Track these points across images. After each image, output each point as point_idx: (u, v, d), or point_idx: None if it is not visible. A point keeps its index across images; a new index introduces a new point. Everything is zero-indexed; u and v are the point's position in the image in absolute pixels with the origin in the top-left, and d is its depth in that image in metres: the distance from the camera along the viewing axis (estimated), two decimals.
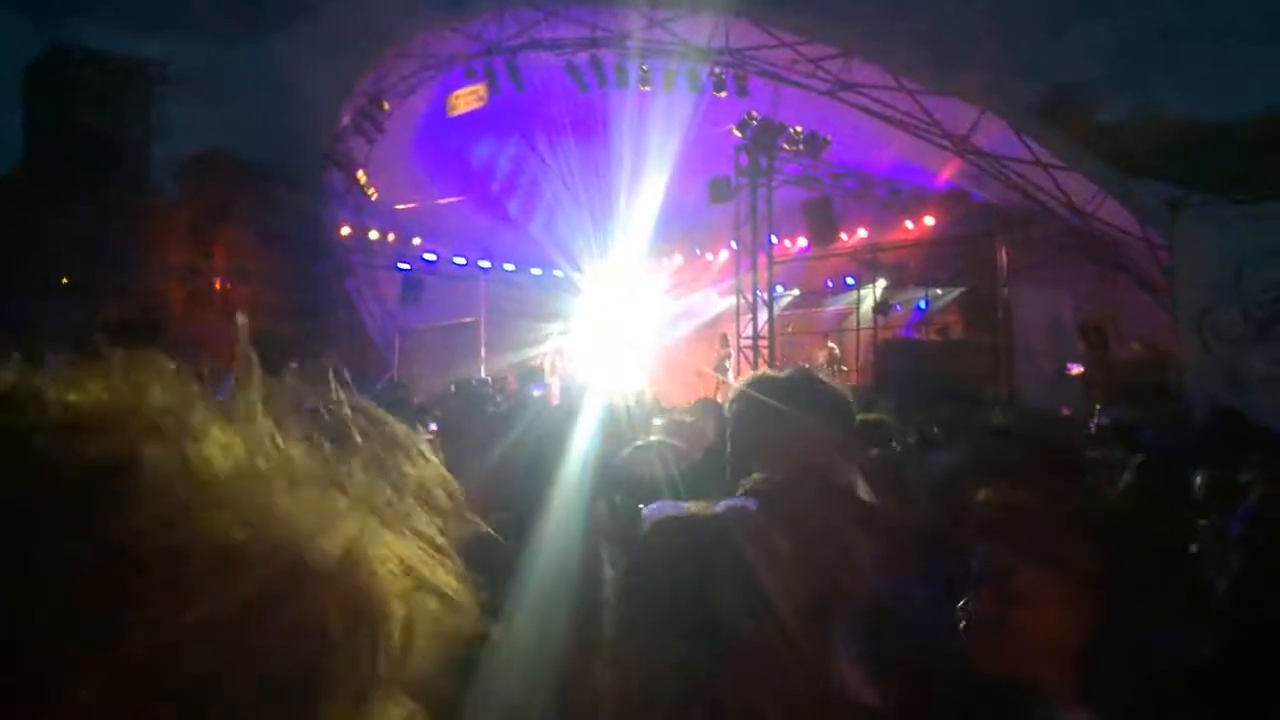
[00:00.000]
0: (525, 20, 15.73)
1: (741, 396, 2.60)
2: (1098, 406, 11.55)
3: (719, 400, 7.78)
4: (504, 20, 15.96)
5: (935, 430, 7.45)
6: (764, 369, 2.78)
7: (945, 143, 14.60)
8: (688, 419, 5.89)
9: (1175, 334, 12.82)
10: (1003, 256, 16.32)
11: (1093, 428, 9.25)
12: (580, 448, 2.82)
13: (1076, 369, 15.39)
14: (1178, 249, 12.94)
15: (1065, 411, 11.47)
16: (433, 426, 9.24)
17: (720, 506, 1.56)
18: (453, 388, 13.87)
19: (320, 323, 21.65)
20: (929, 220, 17.99)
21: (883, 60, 14.02)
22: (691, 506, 1.54)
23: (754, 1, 14.67)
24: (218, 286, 37.20)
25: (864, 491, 2.45)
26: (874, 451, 4.58)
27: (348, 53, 20.02)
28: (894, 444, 5.16)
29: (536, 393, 11.47)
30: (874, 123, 14.76)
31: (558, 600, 1.97)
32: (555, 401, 19.76)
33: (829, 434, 2.45)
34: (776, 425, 2.42)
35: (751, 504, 1.59)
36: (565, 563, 2.13)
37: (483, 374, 20.27)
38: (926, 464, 4.35)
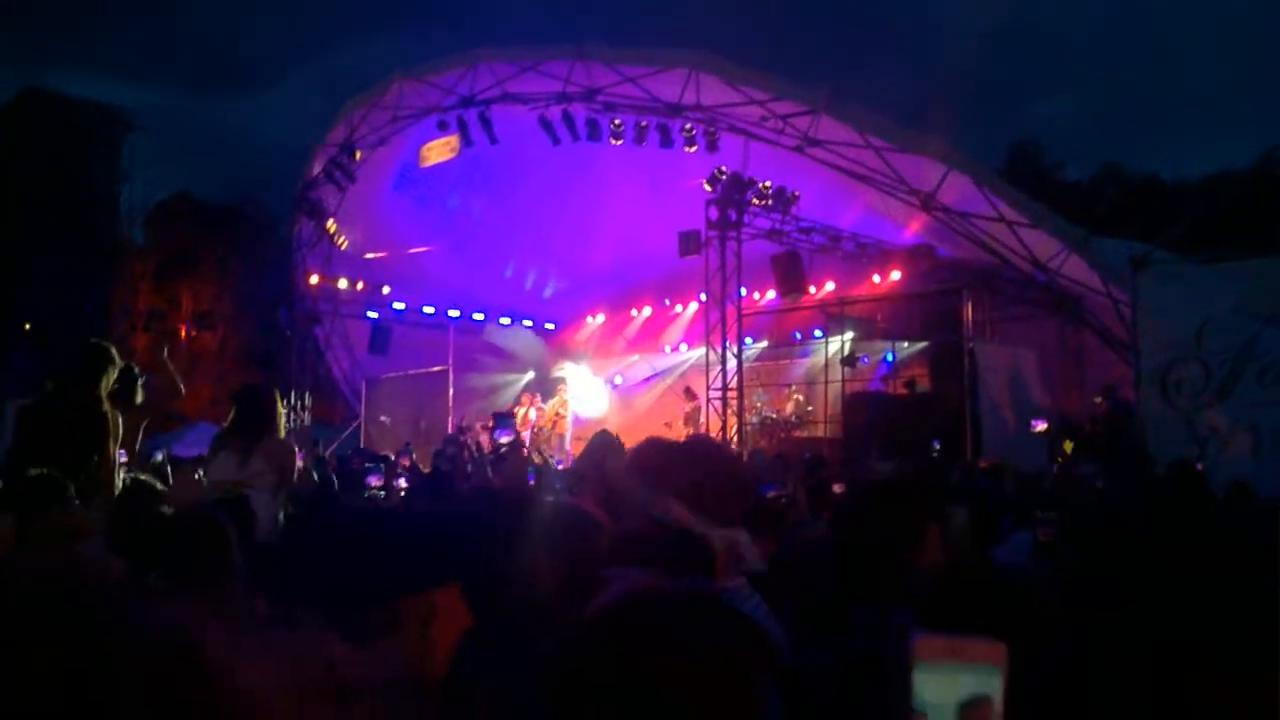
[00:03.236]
0: (499, 74, 15.85)
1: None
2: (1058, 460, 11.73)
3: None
4: (478, 73, 16.07)
5: None
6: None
7: (911, 199, 14.80)
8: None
9: (1138, 389, 12.97)
10: (968, 311, 16.50)
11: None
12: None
13: (1041, 425, 15.55)
14: (1141, 306, 13.13)
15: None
16: (401, 481, 9.20)
17: (691, 583, 1.37)
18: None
19: (286, 371, 21.50)
20: (895, 275, 18.20)
21: (849, 118, 14.23)
22: (659, 581, 1.34)
23: (724, 60, 14.89)
24: (183, 334, 36.90)
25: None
26: None
27: (320, 102, 20.12)
28: None
29: (504, 439, 11.38)
30: (841, 178, 14.96)
31: None
32: (526, 451, 19.75)
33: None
34: None
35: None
36: None
37: (449, 426, 20.13)
38: None
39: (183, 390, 6.37)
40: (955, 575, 2.26)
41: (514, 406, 22.33)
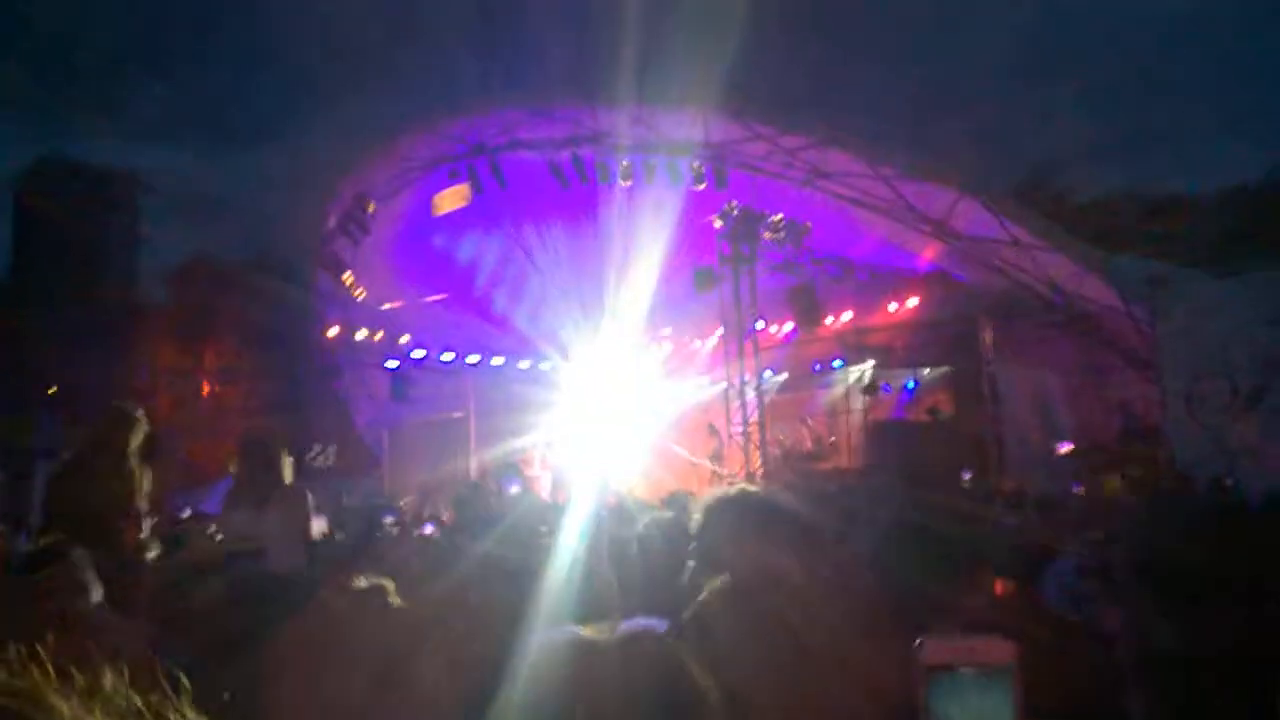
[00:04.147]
0: (508, 120, 15.94)
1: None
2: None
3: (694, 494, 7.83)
4: (487, 121, 16.17)
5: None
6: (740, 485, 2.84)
7: (924, 226, 14.76)
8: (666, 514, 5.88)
9: (1163, 408, 12.82)
10: (987, 336, 16.39)
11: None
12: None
13: (1065, 448, 15.38)
14: (1162, 324, 13.00)
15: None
16: (428, 529, 9.18)
17: (622, 632, 1.46)
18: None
19: (307, 421, 21.54)
20: (912, 302, 18.13)
21: (856, 148, 14.23)
22: (589, 631, 1.44)
23: (730, 96, 14.94)
24: (205, 390, 37.09)
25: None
26: None
27: (332, 157, 20.27)
28: None
29: (513, 489, 11.32)
30: (853, 208, 14.94)
31: None
32: (545, 496, 19.60)
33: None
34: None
35: (659, 627, 1.48)
36: None
37: (472, 470, 20.07)
38: None
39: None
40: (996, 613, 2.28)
41: (527, 451, 22.26)
